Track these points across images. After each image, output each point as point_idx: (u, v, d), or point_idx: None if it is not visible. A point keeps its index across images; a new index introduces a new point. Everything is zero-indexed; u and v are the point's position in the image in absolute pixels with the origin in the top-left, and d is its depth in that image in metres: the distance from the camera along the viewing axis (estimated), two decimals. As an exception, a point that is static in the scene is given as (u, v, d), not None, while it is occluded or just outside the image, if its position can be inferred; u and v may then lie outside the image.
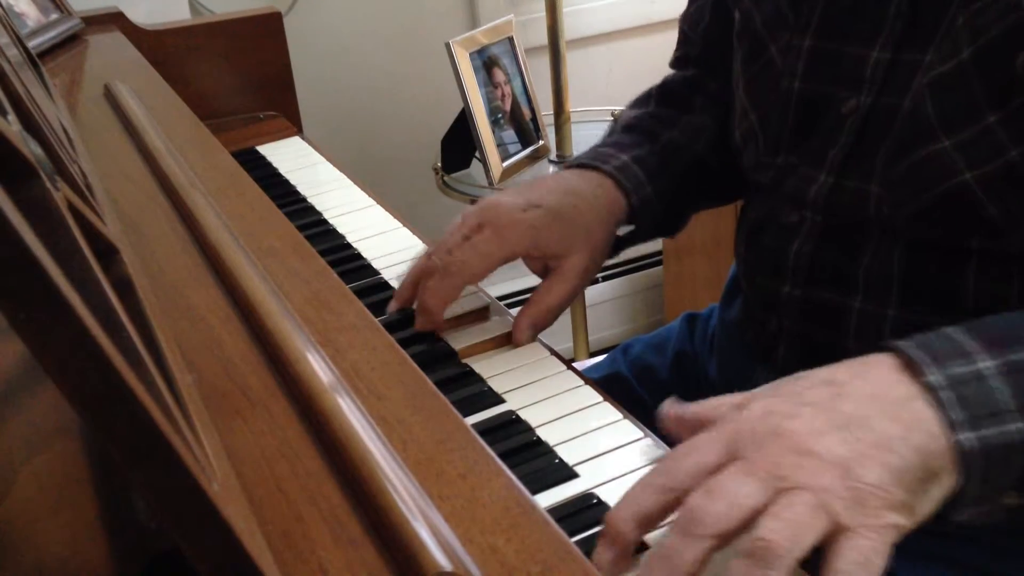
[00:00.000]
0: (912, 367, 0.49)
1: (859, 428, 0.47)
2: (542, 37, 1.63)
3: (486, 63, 1.58)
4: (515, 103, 1.62)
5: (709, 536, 0.43)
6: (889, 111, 0.63)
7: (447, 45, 1.51)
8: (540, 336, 0.72)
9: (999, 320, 0.53)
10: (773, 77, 0.71)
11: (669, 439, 0.60)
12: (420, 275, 0.71)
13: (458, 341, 0.70)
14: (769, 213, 0.73)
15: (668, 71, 0.92)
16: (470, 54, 1.54)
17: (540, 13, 1.66)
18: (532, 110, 1.66)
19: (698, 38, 0.87)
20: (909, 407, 0.48)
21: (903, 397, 0.48)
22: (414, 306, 0.71)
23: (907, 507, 0.46)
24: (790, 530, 0.43)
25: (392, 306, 0.73)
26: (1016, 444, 0.48)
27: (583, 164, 0.79)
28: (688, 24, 0.89)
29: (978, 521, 0.50)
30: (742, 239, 0.78)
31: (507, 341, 0.70)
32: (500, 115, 1.59)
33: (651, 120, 0.85)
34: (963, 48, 0.58)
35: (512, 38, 1.63)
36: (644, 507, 0.46)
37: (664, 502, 0.46)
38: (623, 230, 0.80)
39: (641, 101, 0.89)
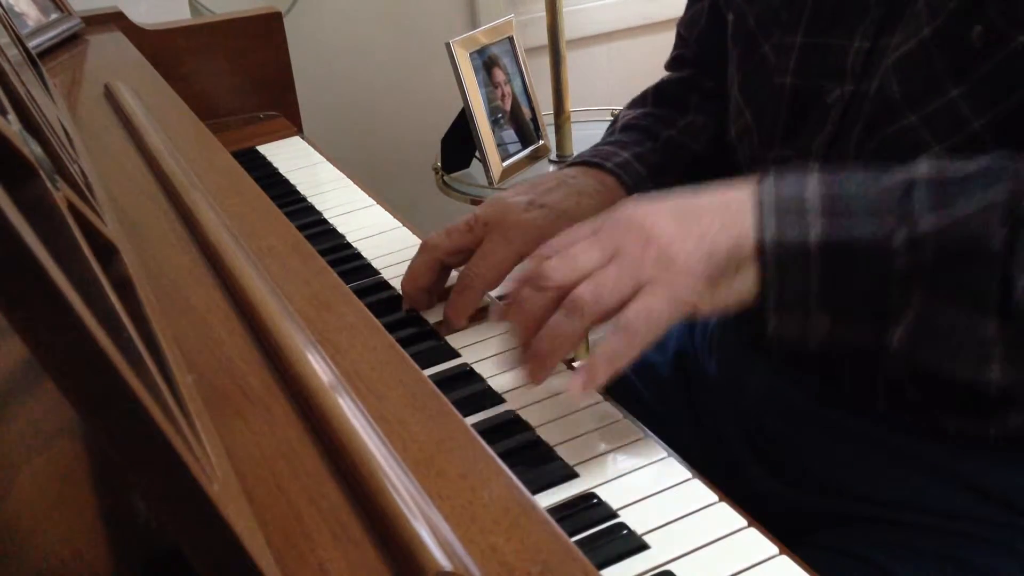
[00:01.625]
0: (757, 185, 0.58)
1: (690, 218, 0.57)
2: (542, 37, 1.63)
3: (486, 63, 1.58)
4: (515, 103, 1.62)
5: (551, 288, 0.56)
6: (864, 96, 0.65)
7: (447, 45, 1.51)
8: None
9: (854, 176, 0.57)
10: (766, 74, 0.72)
11: (670, 439, 0.60)
12: (431, 265, 0.73)
13: (458, 341, 0.70)
14: None
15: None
16: (470, 54, 1.54)
17: (540, 13, 1.66)
18: (532, 110, 1.66)
19: (693, 41, 0.88)
20: (735, 210, 0.57)
21: (734, 202, 0.57)
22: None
23: (708, 285, 0.56)
24: (595, 289, 0.55)
25: (406, 287, 0.74)
26: (809, 245, 0.54)
27: (585, 162, 0.80)
28: (684, 27, 0.90)
29: (792, 335, 0.57)
30: None
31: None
32: (500, 115, 1.59)
33: (650, 119, 0.85)
34: (924, 27, 0.60)
35: (512, 38, 1.63)
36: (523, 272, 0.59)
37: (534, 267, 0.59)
38: None
39: (638, 102, 0.89)
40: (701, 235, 0.56)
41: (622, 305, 0.55)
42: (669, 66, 0.92)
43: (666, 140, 0.83)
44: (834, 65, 0.67)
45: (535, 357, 0.57)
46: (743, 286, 0.56)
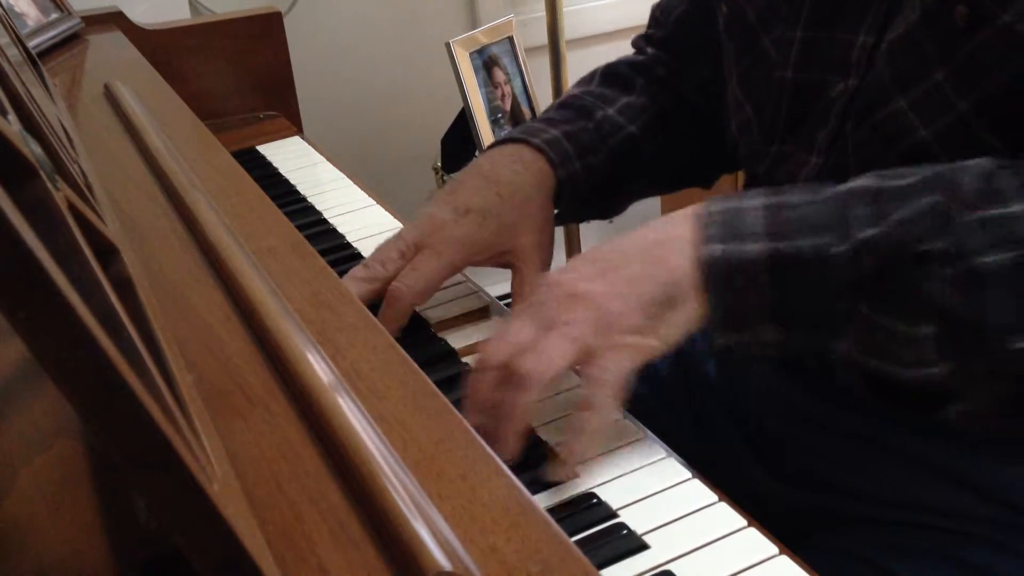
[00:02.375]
0: (701, 207, 0.59)
1: (616, 270, 0.58)
2: (542, 37, 1.63)
3: (486, 63, 1.58)
4: (515, 103, 1.62)
5: (492, 367, 0.57)
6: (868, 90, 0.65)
7: (447, 45, 1.51)
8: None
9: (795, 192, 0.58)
10: (767, 69, 0.72)
11: (670, 439, 0.61)
12: (368, 298, 0.73)
13: (458, 341, 0.70)
14: None
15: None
16: (470, 54, 1.54)
17: (540, 13, 1.66)
18: (532, 110, 1.66)
19: (668, 23, 0.88)
20: (663, 247, 0.58)
21: (662, 239, 0.59)
22: None
23: (650, 330, 0.57)
24: (542, 359, 0.55)
25: None
26: (754, 262, 0.55)
27: (511, 138, 0.80)
28: (660, 10, 0.90)
29: (742, 351, 0.58)
30: None
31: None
32: (500, 115, 1.59)
33: (589, 98, 0.85)
34: (914, 11, 0.60)
35: (512, 38, 1.63)
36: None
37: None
38: None
39: (585, 80, 0.89)
40: (629, 283, 0.57)
41: (569, 366, 0.56)
42: (635, 42, 0.92)
43: (601, 119, 0.83)
44: (838, 59, 0.66)
45: (494, 436, 0.57)
46: (683, 318, 0.58)
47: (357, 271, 0.74)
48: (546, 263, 0.76)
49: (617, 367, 0.56)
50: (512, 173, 0.76)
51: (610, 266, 0.58)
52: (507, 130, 1.60)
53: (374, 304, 0.74)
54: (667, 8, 0.89)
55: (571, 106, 0.84)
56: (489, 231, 0.73)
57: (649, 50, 0.89)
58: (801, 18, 0.69)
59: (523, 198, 0.75)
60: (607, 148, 0.81)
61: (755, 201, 0.58)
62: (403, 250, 0.73)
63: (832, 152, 0.67)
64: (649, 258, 0.58)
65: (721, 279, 0.56)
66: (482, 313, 0.73)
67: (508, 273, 0.76)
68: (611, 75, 0.88)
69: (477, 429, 0.48)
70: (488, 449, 0.47)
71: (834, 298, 0.55)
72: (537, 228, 0.75)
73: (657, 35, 0.89)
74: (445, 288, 0.76)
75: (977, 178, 0.54)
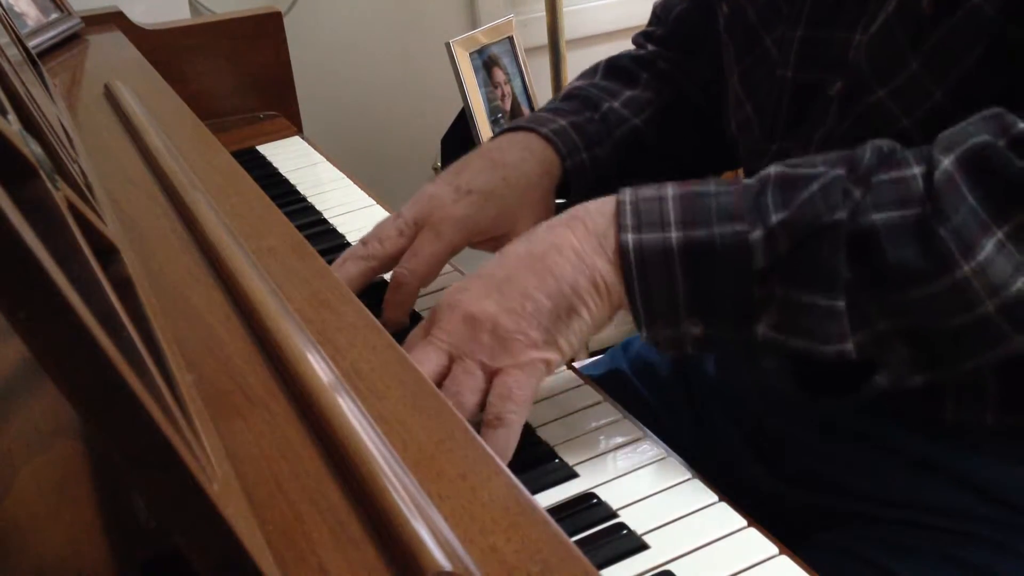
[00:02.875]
0: (615, 198, 0.59)
1: (507, 287, 0.58)
2: (542, 37, 1.63)
3: (486, 63, 1.58)
4: (515, 103, 1.62)
5: None
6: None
7: (447, 45, 1.51)
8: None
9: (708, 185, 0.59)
10: (768, 68, 0.72)
11: (670, 439, 0.61)
12: (366, 276, 0.73)
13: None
14: None
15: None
16: (470, 54, 1.54)
17: (540, 13, 1.66)
18: (532, 110, 1.66)
19: (669, 21, 0.88)
20: (551, 256, 0.58)
21: (550, 247, 0.59)
22: None
23: (549, 342, 0.58)
24: (457, 399, 0.56)
25: None
26: (669, 250, 0.56)
27: (518, 127, 0.79)
28: (662, 7, 0.90)
29: (669, 349, 0.58)
30: None
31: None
32: (500, 115, 1.59)
33: (594, 90, 0.85)
34: (891, 2, 0.61)
35: (512, 38, 1.63)
36: None
37: None
38: None
39: (588, 73, 0.89)
40: (522, 297, 0.57)
41: (484, 395, 0.57)
42: (635, 39, 0.92)
43: (607, 111, 0.83)
44: (836, 58, 0.67)
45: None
46: (582, 323, 0.58)
47: (355, 249, 0.74)
48: None
49: (522, 384, 0.56)
50: (519, 159, 0.76)
51: (502, 281, 0.59)
52: (507, 130, 1.60)
53: (374, 304, 0.74)
54: (668, 6, 0.89)
55: (577, 97, 0.84)
56: (490, 213, 0.73)
57: (649, 47, 0.89)
58: (802, 18, 0.69)
59: (528, 184, 0.75)
60: (613, 140, 0.81)
61: (669, 191, 0.58)
62: (401, 228, 0.73)
63: (825, 150, 0.67)
64: (539, 269, 0.58)
65: (637, 268, 0.56)
66: None
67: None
68: (614, 68, 0.88)
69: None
70: (488, 449, 0.47)
71: (751, 283, 0.55)
72: (537, 216, 0.75)
73: (657, 32, 0.90)
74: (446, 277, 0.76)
75: (875, 152, 0.56)
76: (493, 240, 0.75)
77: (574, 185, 0.79)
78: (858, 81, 0.64)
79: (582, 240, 0.58)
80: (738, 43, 0.76)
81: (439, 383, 0.57)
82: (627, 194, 0.59)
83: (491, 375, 0.57)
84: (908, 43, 0.60)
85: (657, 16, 0.91)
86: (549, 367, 0.58)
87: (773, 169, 0.58)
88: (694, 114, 0.86)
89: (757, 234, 0.55)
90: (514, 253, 0.60)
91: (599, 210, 0.59)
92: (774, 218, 0.55)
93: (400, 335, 0.68)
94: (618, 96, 0.84)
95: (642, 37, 0.91)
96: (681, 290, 0.56)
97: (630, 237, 0.57)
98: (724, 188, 0.58)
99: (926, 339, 0.55)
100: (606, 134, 0.81)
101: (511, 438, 0.56)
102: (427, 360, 0.58)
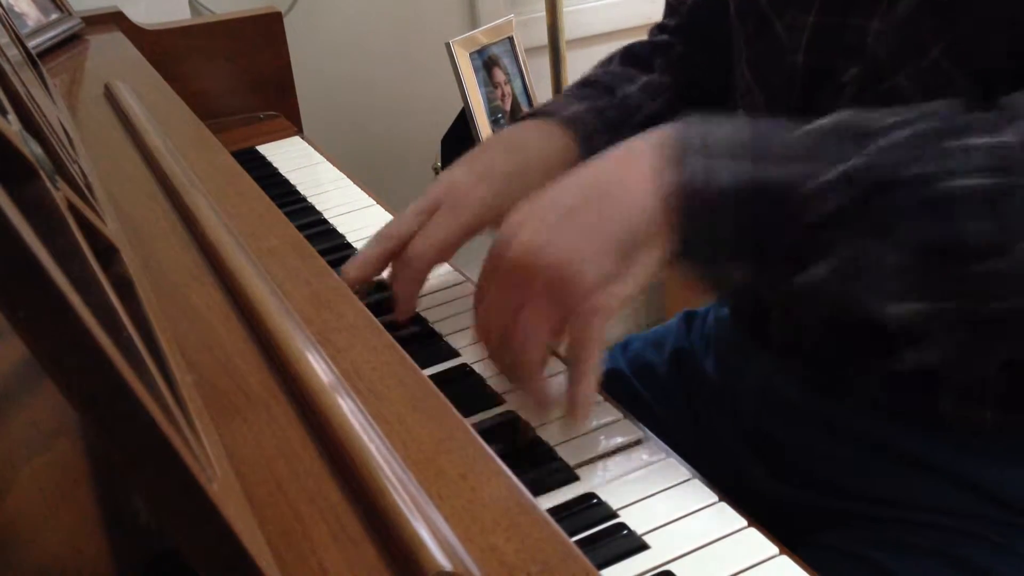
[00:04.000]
0: (673, 136, 0.56)
1: (572, 217, 0.55)
2: (542, 37, 1.63)
3: (486, 63, 1.58)
4: (515, 103, 1.62)
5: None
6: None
7: (447, 45, 1.51)
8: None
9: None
10: (778, 53, 0.71)
11: (669, 439, 0.60)
12: (383, 258, 0.72)
13: (459, 341, 0.70)
14: None
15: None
16: (470, 54, 1.54)
17: (540, 13, 1.66)
18: (532, 110, 1.66)
19: (683, 12, 0.87)
20: (621, 185, 0.55)
21: (619, 177, 0.56)
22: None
23: (618, 278, 0.54)
24: (525, 344, 0.55)
25: (352, 274, 0.72)
26: (737, 189, 0.53)
27: (534, 113, 0.79)
28: None
29: (714, 285, 0.58)
30: None
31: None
32: (500, 115, 1.59)
33: (610, 76, 0.85)
34: None
35: (512, 38, 1.63)
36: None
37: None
38: None
39: (604, 62, 0.89)
40: (589, 232, 0.54)
41: (552, 338, 0.56)
42: (651, 31, 0.92)
43: (623, 96, 0.82)
44: (850, 44, 0.66)
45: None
46: (651, 259, 0.55)
47: (376, 233, 0.73)
48: None
49: (594, 327, 0.54)
50: (538, 144, 0.75)
51: (565, 212, 0.55)
52: (507, 130, 1.60)
53: (373, 304, 0.74)
54: None
55: (593, 84, 0.84)
56: (510, 196, 0.70)
57: (665, 36, 0.89)
58: (815, 3, 0.68)
59: (547, 168, 0.74)
60: (631, 125, 0.80)
61: (734, 128, 0.56)
62: (419, 209, 0.72)
63: None
64: (608, 200, 0.55)
65: (700, 205, 0.54)
66: None
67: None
68: (630, 55, 0.87)
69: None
70: (488, 449, 0.47)
71: (819, 227, 0.53)
72: None
73: (672, 23, 0.89)
74: (454, 296, 0.76)
75: (963, 110, 0.54)
76: None
77: None
78: (874, 68, 0.63)
79: (644, 173, 0.55)
80: (748, 28, 0.75)
81: (506, 330, 0.56)
82: (690, 127, 0.56)
83: (561, 317, 0.55)
84: (931, 31, 0.59)
85: (672, 7, 0.90)
86: (620, 305, 0.55)
87: (846, 115, 0.55)
88: (710, 99, 0.86)
89: (829, 176, 0.52)
90: (574, 185, 0.57)
91: (661, 141, 0.57)
92: (848, 163, 0.52)
93: (405, 340, 0.68)
94: (635, 81, 0.84)
95: (658, 28, 0.91)
96: (744, 228, 0.54)
97: (695, 173, 0.54)
98: (795, 127, 0.55)
99: (987, 322, 0.54)
100: (624, 119, 0.80)
101: (595, 377, 0.55)
102: (492, 314, 0.57)
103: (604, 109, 0.80)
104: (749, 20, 0.75)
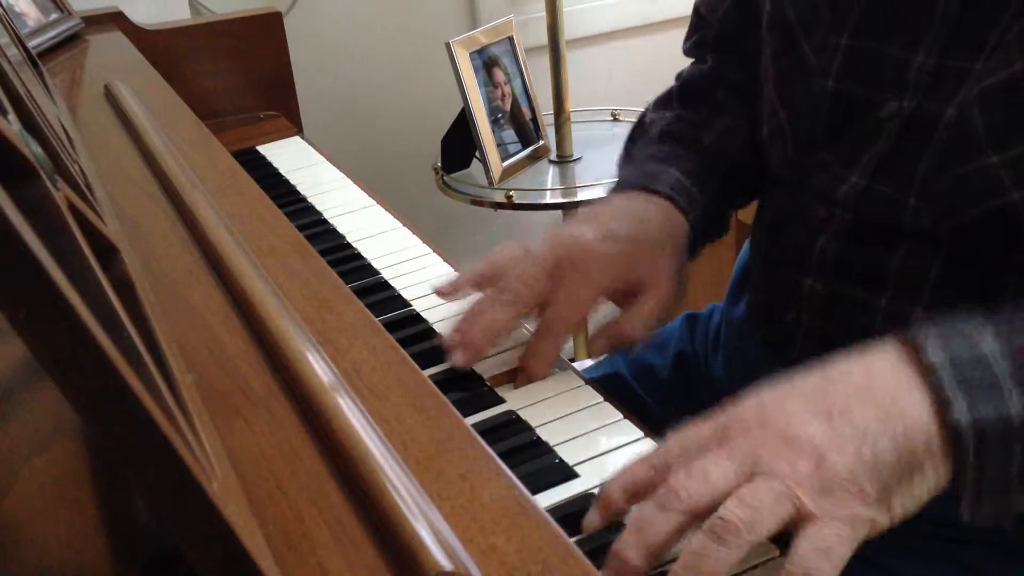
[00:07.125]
0: (915, 351, 0.50)
1: (840, 418, 0.48)
2: (542, 37, 1.63)
3: (486, 63, 1.58)
4: (515, 103, 1.62)
5: (680, 511, 0.46)
6: (932, 119, 0.61)
7: (447, 45, 1.51)
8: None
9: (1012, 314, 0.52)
10: (805, 75, 0.69)
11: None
12: (512, 326, 0.66)
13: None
14: (794, 207, 0.72)
15: (667, 71, 0.91)
16: (470, 54, 1.54)
17: (540, 13, 1.66)
18: (532, 110, 1.66)
19: (716, 22, 0.84)
20: (897, 397, 0.48)
21: (893, 386, 0.49)
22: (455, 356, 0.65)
23: (881, 501, 0.47)
24: (750, 513, 0.45)
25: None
26: (1014, 425, 0.47)
27: (637, 186, 0.76)
28: (705, 8, 0.86)
29: (990, 523, 0.50)
30: (763, 232, 0.77)
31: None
32: (500, 115, 1.59)
33: (684, 125, 0.82)
34: (1016, 60, 0.56)
35: (512, 38, 1.63)
36: (634, 479, 0.50)
37: (652, 478, 0.49)
38: None
39: (663, 102, 0.86)
40: (860, 438, 0.47)
41: (780, 528, 0.46)
42: (689, 51, 0.88)
43: (707, 147, 0.80)
44: (890, 76, 0.63)
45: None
46: (924, 489, 0.48)
47: (496, 294, 0.66)
48: (675, 296, 0.72)
49: (844, 542, 0.45)
50: (647, 214, 0.72)
51: (834, 408, 0.48)
52: (508, 130, 1.60)
53: (374, 304, 0.74)
54: (712, 6, 0.84)
55: (671, 135, 0.81)
56: (636, 259, 0.68)
57: (708, 58, 0.86)
58: (847, 25, 0.66)
59: (660, 238, 0.71)
60: (719, 177, 0.79)
61: (989, 348, 0.49)
62: (548, 269, 0.66)
63: (879, 175, 0.64)
64: (882, 408, 0.48)
65: (973, 447, 0.47)
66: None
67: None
68: (690, 95, 0.85)
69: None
70: (488, 449, 0.47)
71: None
72: (672, 273, 0.71)
73: (708, 37, 0.86)
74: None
75: None
76: (631, 294, 0.70)
77: (698, 233, 0.76)
78: (965, 136, 0.59)
79: (917, 405, 0.48)
80: (776, 44, 0.73)
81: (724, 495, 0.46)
82: (939, 356, 0.49)
83: (803, 514, 0.46)
84: None
85: (701, 17, 0.86)
86: (872, 531, 0.47)
87: None
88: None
89: None
90: (847, 378, 0.50)
91: (915, 370, 0.50)
92: None
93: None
94: (710, 127, 0.81)
95: (694, 48, 0.87)
96: (1016, 464, 0.48)
97: (964, 411, 0.47)
98: None
99: None
100: (711, 173, 0.78)
101: None
102: (720, 472, 0.47)
103: (693, 169, 0.77)
104: (777, 35, 0.72)
